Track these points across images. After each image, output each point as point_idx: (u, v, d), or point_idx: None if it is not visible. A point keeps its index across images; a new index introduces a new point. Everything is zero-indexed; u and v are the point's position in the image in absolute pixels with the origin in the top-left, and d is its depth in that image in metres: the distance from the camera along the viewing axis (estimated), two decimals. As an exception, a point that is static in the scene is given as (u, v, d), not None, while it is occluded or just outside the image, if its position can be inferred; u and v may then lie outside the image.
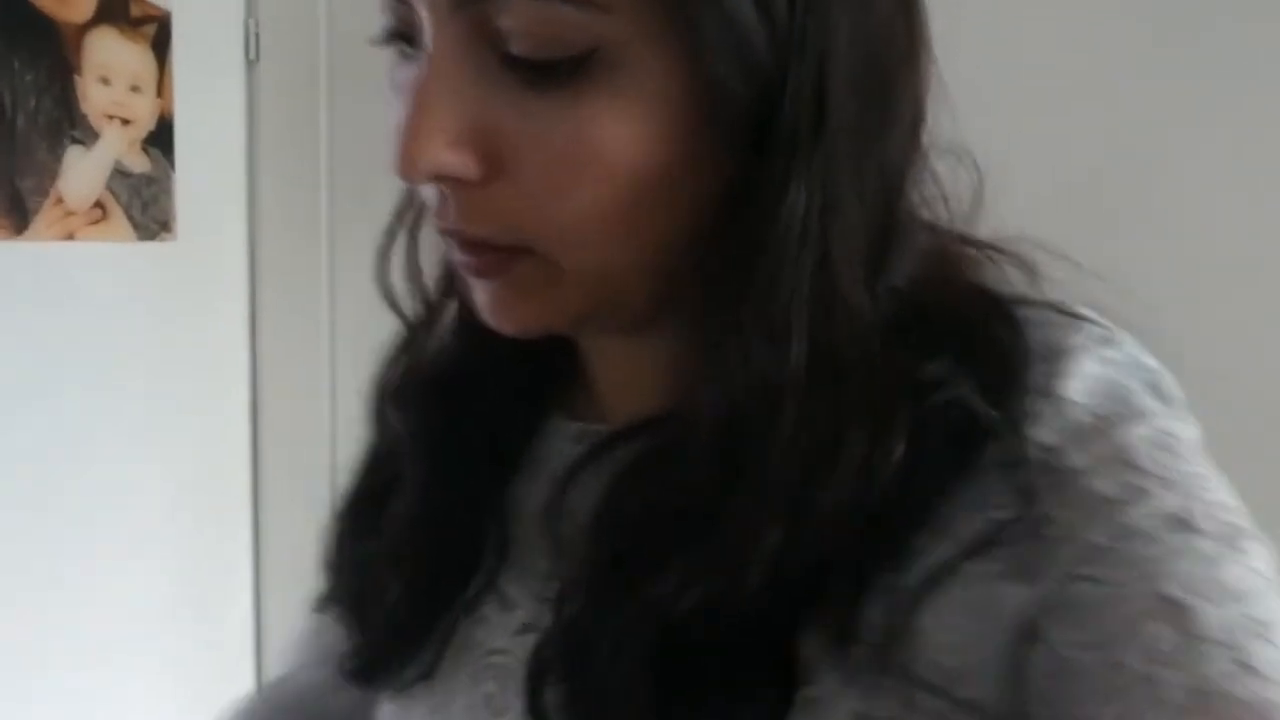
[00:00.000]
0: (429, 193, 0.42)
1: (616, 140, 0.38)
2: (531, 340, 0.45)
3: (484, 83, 0.38)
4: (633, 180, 0.39)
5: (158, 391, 1.65)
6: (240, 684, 1.75)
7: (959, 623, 0.38)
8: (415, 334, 0.52)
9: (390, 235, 0.51)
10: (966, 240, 0.45)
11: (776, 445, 0.39)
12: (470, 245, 0.42)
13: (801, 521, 0.39)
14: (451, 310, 0.52)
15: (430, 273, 0.51)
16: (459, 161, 0.39)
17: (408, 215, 0.50)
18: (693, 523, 0.40)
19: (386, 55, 0.43)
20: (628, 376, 0.49)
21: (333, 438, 1.72)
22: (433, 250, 0.50)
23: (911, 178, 0.43)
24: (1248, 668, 0.33)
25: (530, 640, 0.45)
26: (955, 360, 0.41)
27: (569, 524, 0.45)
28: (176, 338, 1.68)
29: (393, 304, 0.51)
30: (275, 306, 1.80)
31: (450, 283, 0.51)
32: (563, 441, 0.50)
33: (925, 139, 0.44)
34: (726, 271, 0.40)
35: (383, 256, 0.50)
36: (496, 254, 0.41)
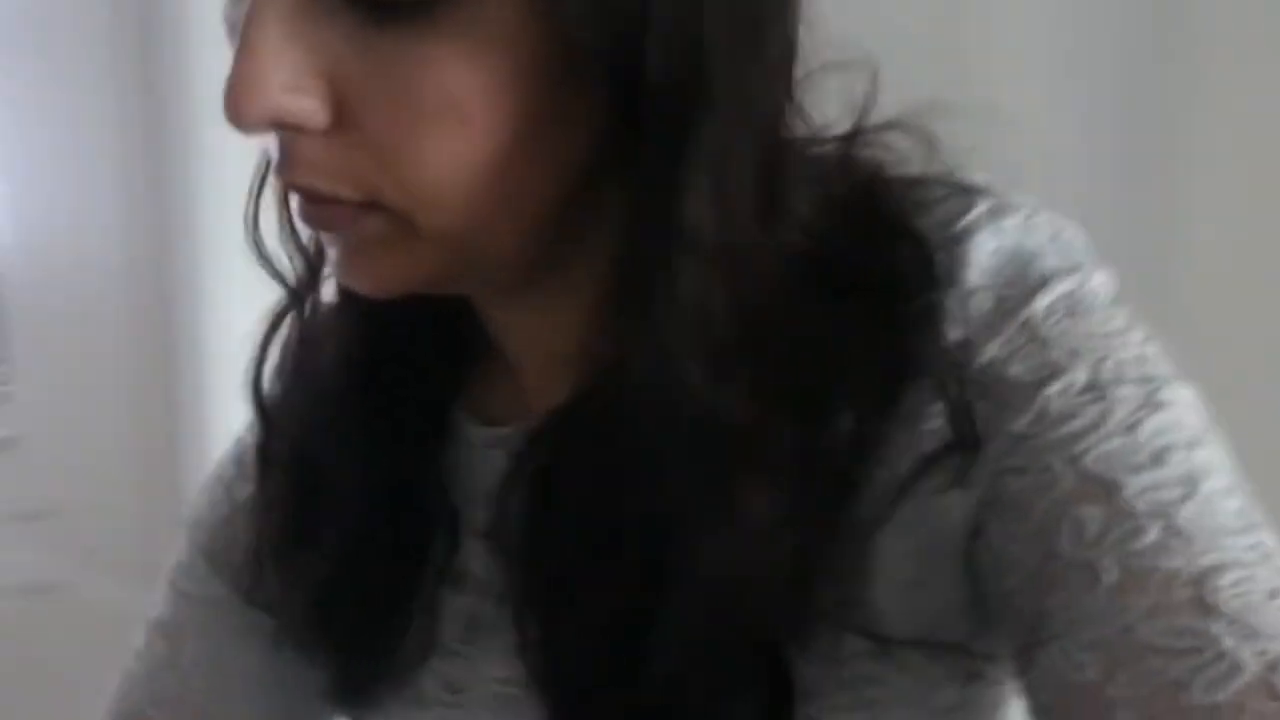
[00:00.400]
0: (269, 143, 0.38)
1: (468, 89, 0.35)
2: (434, 317, 0.44)
3: (324, 21, 0.35)
4: (489, 134, 0.36)
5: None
6: None
7: (912, 547, 0.39)
8: (299, 300, 0.49)
9: (256, 192, 0.46)
10: (858, 138, 0.43)
11: (675, 417, 0.37)
12: (316, 199, 0.38)
13: (736, 487, 0.37)
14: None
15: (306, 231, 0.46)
16: (298, 106, 0.36)
17: (268, 167, 0.45)
18: (615, 513, 0.39)
19: None
20: (529, 347, 0.46)
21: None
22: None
23: (790, 113, 0.40)
24: (1176, 533, 0.34)
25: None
26: (872, 289, 0.40)
27: (510, 537, 0.43)
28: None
29: (268, 266, 0.47)
30: None
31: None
32: (480, 447, 0.48)
33: (799, 64, 0.40)
34: (613, 236, 0.38)
35: (252, 216, 0.47)
36: (343, 207, 0.38)
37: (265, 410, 0.50)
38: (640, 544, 0.39)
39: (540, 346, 0.46)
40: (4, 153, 1.79)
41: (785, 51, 0.39)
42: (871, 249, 0.40)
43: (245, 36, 0.35)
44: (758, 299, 0.38)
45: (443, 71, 0.35)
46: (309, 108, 0.36)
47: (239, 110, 0.35)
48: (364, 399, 0.48)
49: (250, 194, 0.46)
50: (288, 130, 0.37)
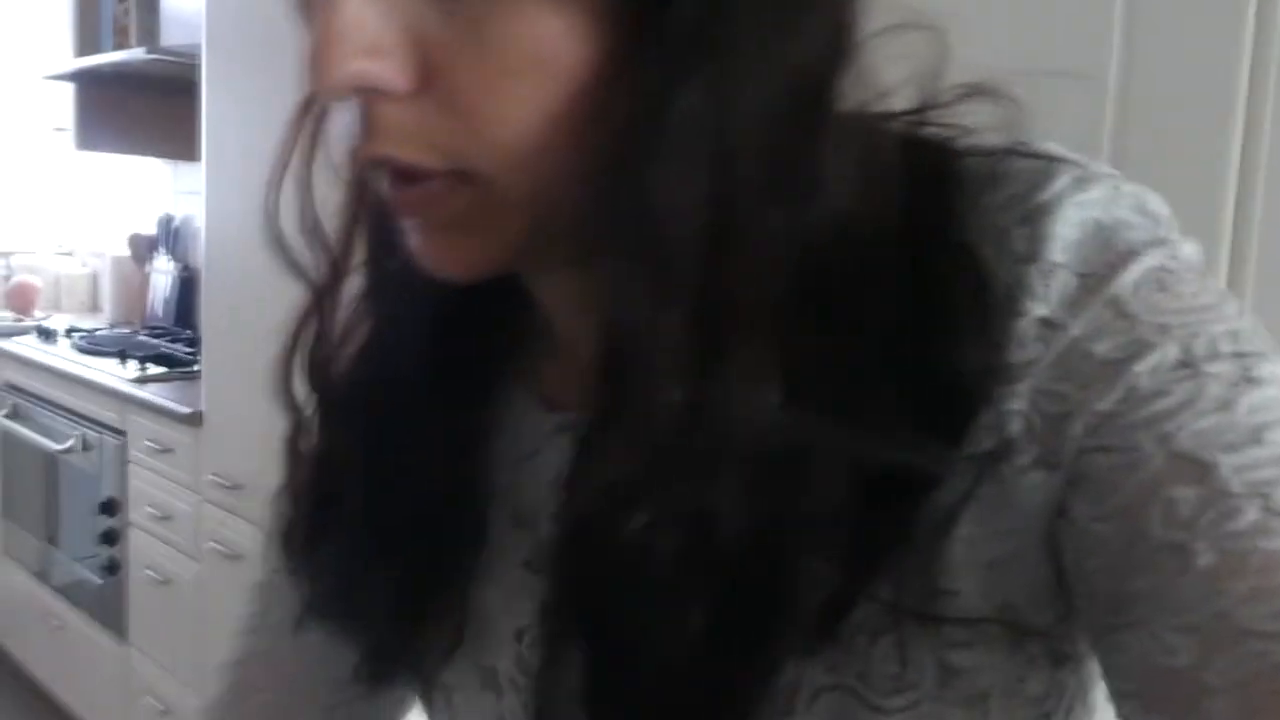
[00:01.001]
0: (349, 116, 0.38)
1: (551, 40, 0.35)
2: (478, 302, 0.43)
3: None
4: (570, 83, 0.36)
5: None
6: None
7: (995, 528, 0.38)
8: (323, 298, 0.47)
9: (276, 179, 0.44)
10: (925, 115, 0.41)
11: (670, 389, 0.36)
12: (402, 175, 0.38)
13: (729, 470, 0.37)
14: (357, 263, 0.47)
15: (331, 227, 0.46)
16: (382, 69, 0.35)
17: (292, 153, 0.44)
18: (644, 490, 0.38)
19: None
20: (588, 321, 0.44)
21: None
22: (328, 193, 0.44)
23: (839, 80, 0.38)
24: (1277, 513, 0.32)
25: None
26: (914, 305, 0.38)
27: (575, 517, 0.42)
28: None
29: (290, 261, 0.46)
30: None
31: (354, 230, 0.46)
32: (546, 432, 0.48)
33: (856, 29, 0.38)
34: (620, 188, 0.36)
35: (271, 202, 0.45)
36: (432, 186, 0.38)
37: (325, 393, 0.50)
38: (713, 533, 0.37)
39: (587, 317, 0.45)
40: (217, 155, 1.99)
41: (831, 18, 0.38)
42: (934, 239, 0.39)
43: (331, 4, 0.35)
44: (747, 284, 0.36)
45: (526, 24, 0.35)
46: (392, 70, 0.36)
47: (323, 75, 0.35)
48: (425, 379, 0.48)
49: (270, 184, 0.45)
50: (370, 94, 0.36)
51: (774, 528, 0.37)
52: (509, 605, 0.48)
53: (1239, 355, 0.36)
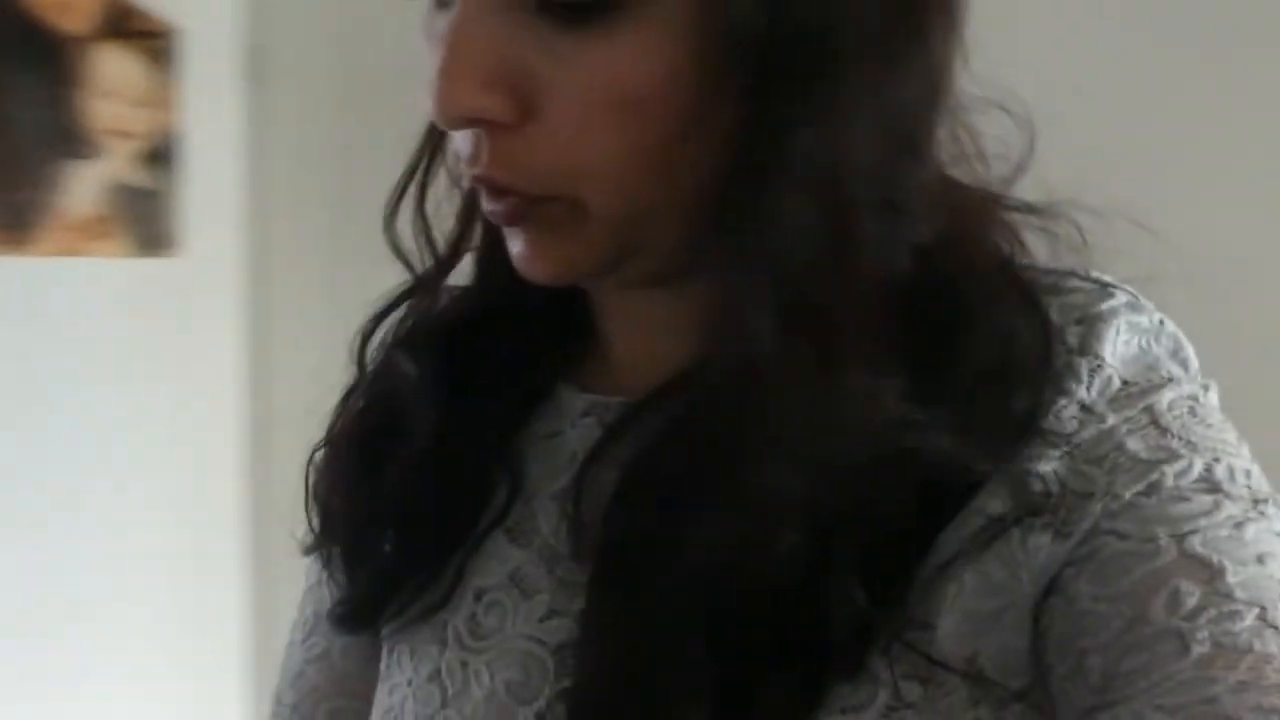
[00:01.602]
0: (462, 141, 0.43)
1: (645, 76, 0.39)
2: (547, 304, 0.46)
3: (515, 25, 0.39)
4: (662, 115, 0.39)
5: (154, 409, 1.62)
6: (232, 712, 1.71)
7: (991, 580, 0.39)
8: (421, 286, 0.53)
9: (401, 188, 0.51)
10: (1003, 202, 0.45)
11: (793, 394, 0.39)
12: (499, 192, 0.42)
13: (821, 473, 0.38)
14: (458, 268, 0.52)
15: (440, 229, 0.51)
16: (492, 103, 0.40)
17: (419, 170, 0.51)
18: (713, 487, 0.40)
19: (422, 6, 0.43)
20: (646, 338, 0.48)
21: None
22: (446, 205, 0.51)
23: (935, 127, 0.42)
24: (1272, 625, 0.34)
25: (556, 626, 0.46)
26: (974, 348, 0.41)
27: (587, 504, 0.45)
28: (175, 354, 1.66)
29: (400, 255, 0.52)
30: (280, 326, 1.76)
31: (465, 237, 0.51)
32: (574, 415, 0.50)
33: (953, 87, 0.42)
34: (738, 215, 0.40)
35: (392, 209, 0.51)
36: (523, 199, 0.42)
37: (365, 363, 0.55)
38: (719, 530, 0.39)
39: (645, 333, 0.48)
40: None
41: (938, 62, 0.41)
42: (998, 299, 0.42)
43: (448, 42, 0.39)
44: (864, 298, 0.39)
45: (621, 67, 0.39)
46: (499, 104, 0.40)
47: (443, 107, 0.40)
48: (463, 354, 0.51)
49: (394, 191, 0.51)
50: (481, 125, 0.40)
51: (827, 547, 0.38)
52: (478, 565, 0.49)
53: (1252, 489, 0.39)
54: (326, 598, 0.57)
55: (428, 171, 0.51)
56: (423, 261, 0.52)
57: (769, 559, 0.38)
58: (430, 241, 0.51)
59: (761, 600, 0.39)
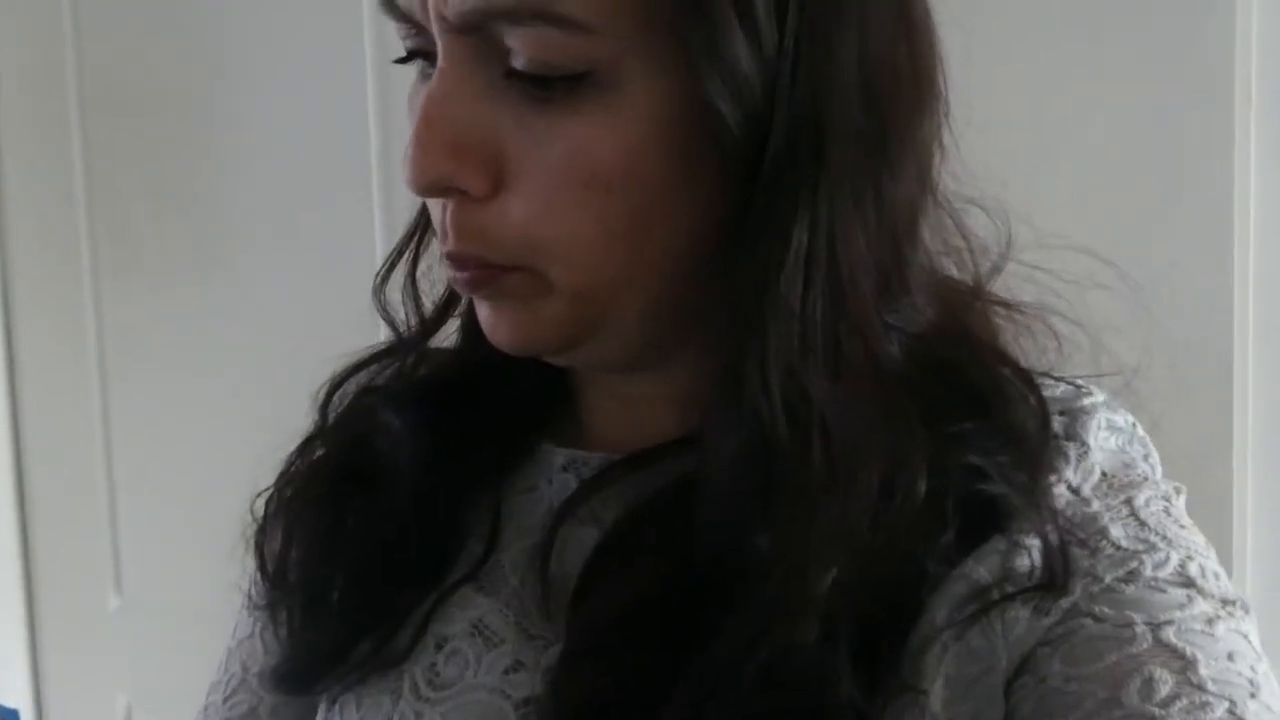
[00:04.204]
0: (434, 213, 0.43)
1: (611, 153, 0.39)
2: (528, 366, 0.47)
3: (489, 98, 0.40)
4: (628, 199, 0.40)
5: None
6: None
7: (970, 646, 0.39)
8: (403, 345, 0.53)
9: (397, 254, 0.52)
10: (985, 298, 0.47)
11: (812, 477, 0.39)
12: (463, 261, 0.43)
13: (846, 558, 0.39)
14: (440, 333, 0.53)
15: (428, 294, 0.52)
16: (462, 173, 0.40)
17: (414, 237, 0.52)
18: (720, 564, 0.40)
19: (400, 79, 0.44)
20: (625, 410, 0.49)
21: (109, 482, 1.51)
22: (435, 271, 0.51)
23: (923, 220, 0.44)
24: (1241, 719, 0.35)
25: (522, 680, 0.45)
26: (978, 425, 0.42)
27: (559, 559, 0.45)
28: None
29: (385, 315, 0.53)
30: (33, 346, 1.55)
31: (452, 303, 0.52)
32: (552, 470, 0.50)
33: (939, 184, 0.44)
34: (738, 301, 0.40)
35: (385, 273, 0.52)
36: (488, 269, 0.42)
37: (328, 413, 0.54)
38: (691, 597, 0.40)
39: (623, 406, 0.49)
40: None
41: (921, 159, 0.43)
42: (987, 389, 0.43)
43: (423, 112, 0.40)
44: (866, 383, 0.40)
45: (592, 143, 0.39)
46: (471, 175, 0.40)
47: (416, 174, 0.40)
48: (447, 410, 0.51)
49: (388, 258, 0.52)
50: (452, 195, 0.41)
51: (832, 629, 0.39)
52: (443, 614, 0.49)
53: (1220, 589, 0.40)
54: (259, 652, 0.55)
55: (421, 238, 0.52)
56: (409, 324, 0.53)
57: (775, 646, 0.38)
58: (417, 304, 0.52)
59: (758, 692, 0.39)
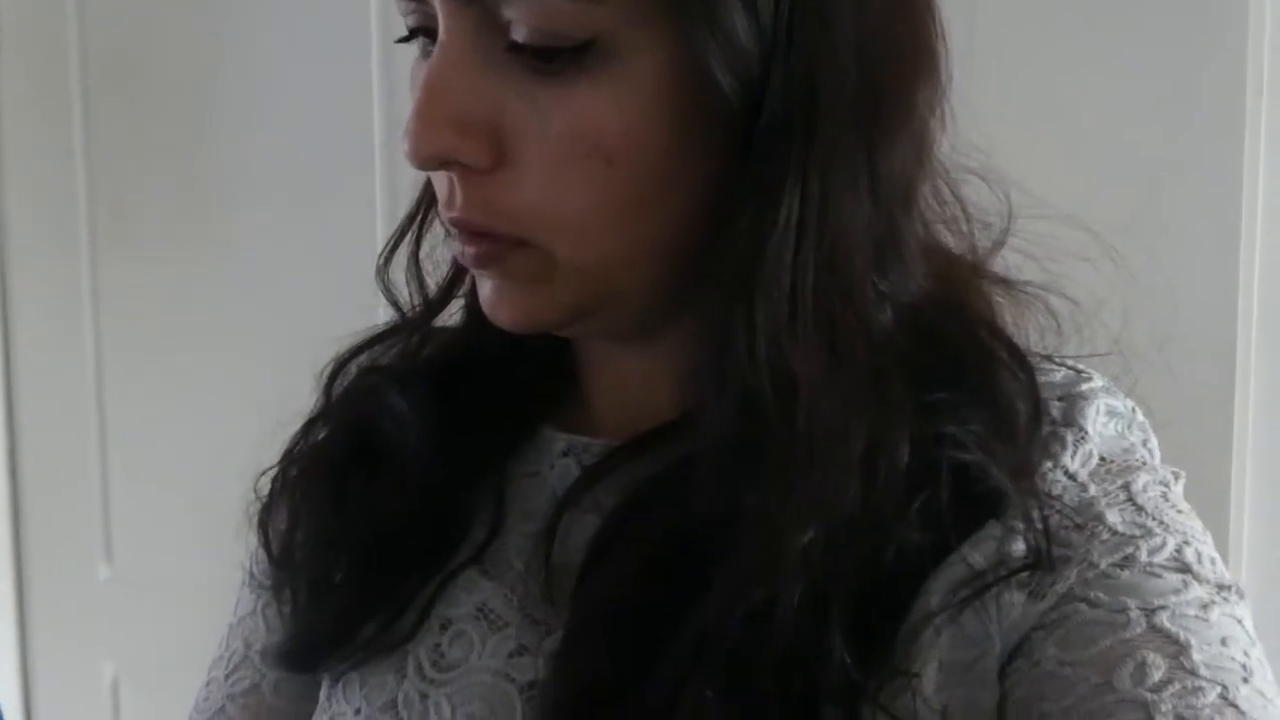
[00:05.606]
0: (439, 183, 0.43)
1: (616, 127, 0.39)
2: (531, 347, 0.47)
3: (491, 71, 0.40)
4: (630, 170, 0.40)
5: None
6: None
7: (966, 631, 0.40)
8: (407, 324, 0.53)
9: (400, 234, 0.52)
10: (985, 275, 0.46)
11: (796, 444, 0.39)
12: (471, 235, 0.42)
13: (827, 521, 0.39)
14: (445, 313, 0.53)
15: (432, 275, 0.52)
16: (464, 145, 0.40)
17: (417, 217, 0.52)
18: (713, 538, 0.40)
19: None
20: (624, 387, 0.49)
21: (101, 453, 1.51)
22: (440, 251, 0.51)
23: (919, 191, 0.44)
24: (1232, 704, 0.35)
25: (526, 663, 0.46)
26: (966, 397, 0.42)
27: (562, 545, 0.46)
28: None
29: (389, 295, 0.53)
30: (29, 319, 1.54)
31: (456, 283, 0.52)
32: (553, 455, 0.50)
33: (936, 154, 0.44)
34: (729, 270, 0.40)
35: (388, 253, 0.52)
36: (495, 243, 0.42)
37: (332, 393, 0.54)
38: (688, 577, 0.40)
39: (623, 383, 0.49)
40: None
41: (918, 129, 0.42)
42: (978, 362, 0.43)
43: (425, 86, 0.40)
44: (856, 348, 0.40)
45: (595, 113, 0.39)
46: (474, 147, 0.40)
47: (415, 147, 0.40)
48: (451, 392, 0.51)
49: (391, 238, 0.52)
50: (454, 169, 0.41)
51: (823, 607, 0.39)
52: (445, 596, 0.49)
53: (1216, 575, 0.40)
54: (262, 629, 0.55)
55: (424, 219, 0.52)
56: (413, 304, 0.52)
57: (762, 624, 0.38)
58: (421, 284, 0.52)
59: (748, 662, 0.39)
